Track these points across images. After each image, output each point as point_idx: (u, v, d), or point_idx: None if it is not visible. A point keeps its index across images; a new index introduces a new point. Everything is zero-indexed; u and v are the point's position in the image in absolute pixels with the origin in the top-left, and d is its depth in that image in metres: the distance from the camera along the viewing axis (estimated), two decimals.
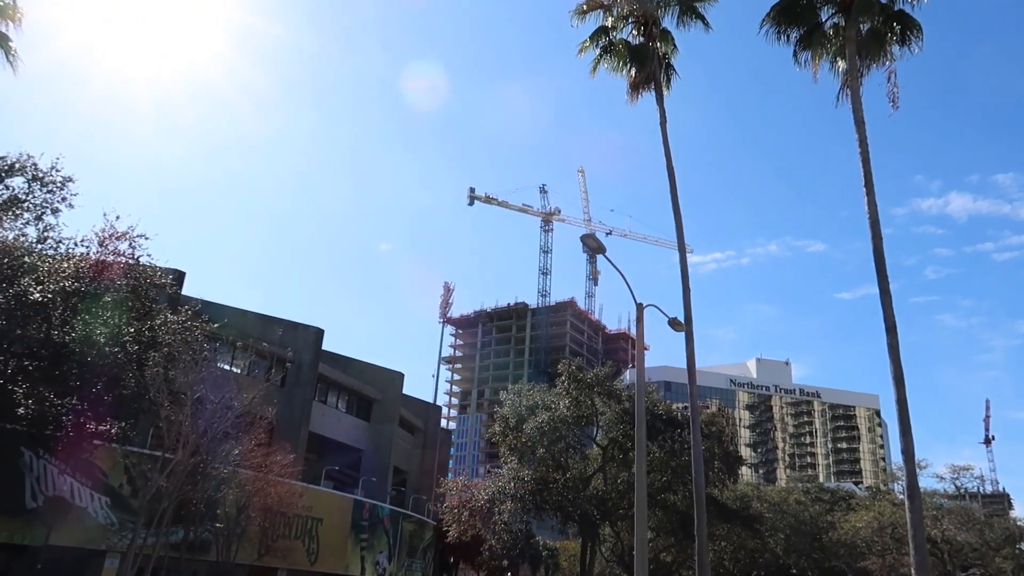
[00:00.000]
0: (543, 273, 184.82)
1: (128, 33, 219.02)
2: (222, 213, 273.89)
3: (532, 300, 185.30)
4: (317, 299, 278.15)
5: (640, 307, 22.01)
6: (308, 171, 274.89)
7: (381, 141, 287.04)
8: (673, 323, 22.98)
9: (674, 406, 36.38)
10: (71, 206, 26.87)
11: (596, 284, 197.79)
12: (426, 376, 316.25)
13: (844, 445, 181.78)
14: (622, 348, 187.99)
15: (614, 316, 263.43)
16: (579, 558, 67.05)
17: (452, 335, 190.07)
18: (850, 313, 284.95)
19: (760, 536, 42.59)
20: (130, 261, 27.07)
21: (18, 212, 26.11)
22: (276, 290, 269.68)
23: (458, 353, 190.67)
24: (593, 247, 20.08)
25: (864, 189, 17.02)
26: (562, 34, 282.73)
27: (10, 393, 25.34)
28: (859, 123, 17.63)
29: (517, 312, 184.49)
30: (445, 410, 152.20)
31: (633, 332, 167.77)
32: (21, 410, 25.67)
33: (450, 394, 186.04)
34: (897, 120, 17.78)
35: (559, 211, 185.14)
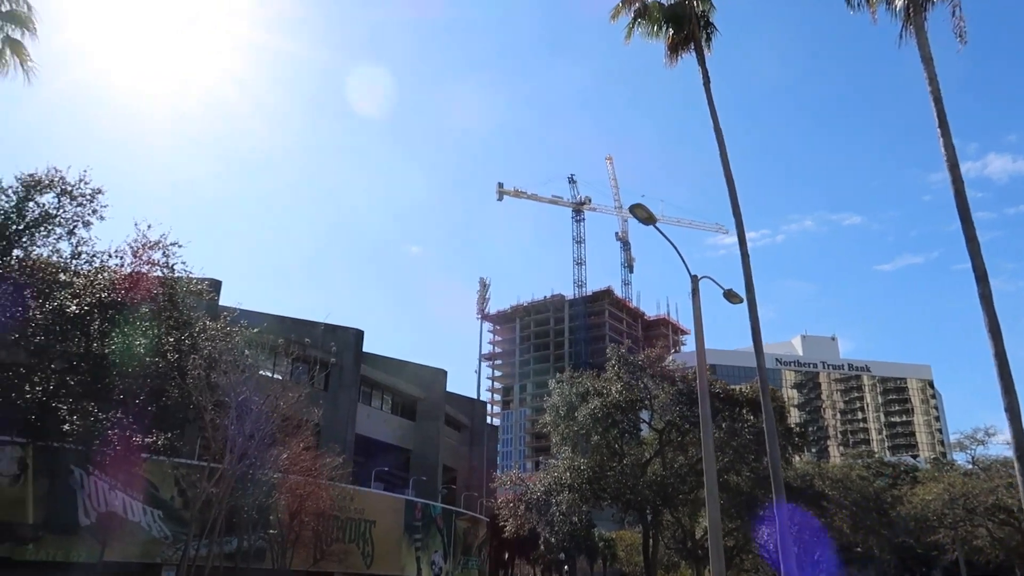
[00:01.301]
0: (577, 263, 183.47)
1: (144, 56, 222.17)
2: (249, 226, 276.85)
3: (568, 291, 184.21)
4: (352, 305, 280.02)
5: (695, 279, 20.89)
6: (328, 181, 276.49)
7: (400, 144, 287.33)
8: (729, 295, 21.82)
9: (730, 386, 34.97)
10: (102, 218, 26.37)
11: (632, 272, 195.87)
12: (467, 373, 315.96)
13: (898, 419, 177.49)
14: (662, 334, 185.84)
15: (652, 303, 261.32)
16: (640, 547, 65.97)
17: (490, 331, 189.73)
18: (892, 284, 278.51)
19: (827, 514, 41.03)
20: (164, 270, 26.59)
21: (50, 228, 25.72)
22: (310, 299, 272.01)
23: (497, 349, 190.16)
24: (643, 217, 18.93)
25: (939, 131, 15.61)
26: (580, 22, 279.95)
27: (55, 410, 24.98)
28: (927, 60, 16.23)
29: (554, 305, 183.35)
30: (488, 407, 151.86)
31: (673, 317, 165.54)
32: (67, 427, 25.34)
33: (492, 391, 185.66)
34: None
35: (590, 200, 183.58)
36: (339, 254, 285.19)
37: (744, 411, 31.52)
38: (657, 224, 19.52)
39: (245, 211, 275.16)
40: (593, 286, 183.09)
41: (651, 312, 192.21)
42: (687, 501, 34.20)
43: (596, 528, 61.68)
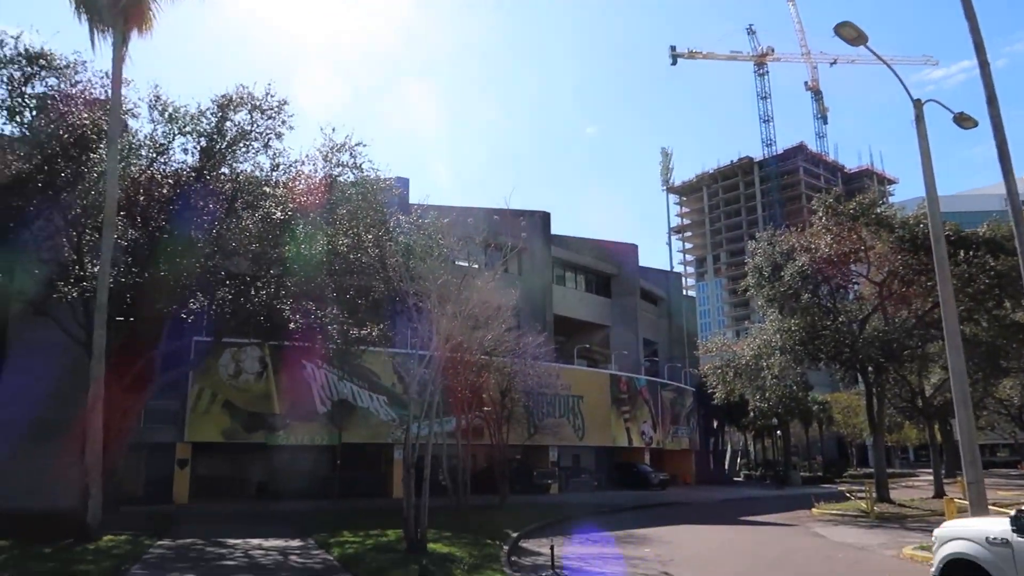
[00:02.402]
0: (764, 121, 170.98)
1: None
2: (424, 127, 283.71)
3: (756, 153, 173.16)
4: (536, 192, 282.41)
5: (919, 104, 18.24)
6: (496, 78, 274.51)
7: (561, 26, 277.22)
8: (960, 118, 18.86)
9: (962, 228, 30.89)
10: (291, 128, 27.55)
11: (826, 123, 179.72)
12: (657, 246, 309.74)
13: None
14: (866, 187, 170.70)
15: (851, 154, 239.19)
16: (857, 409, 63.01)
17: (677, 203, 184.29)
18: None
19: None
20: (354, 171, 27.45)
21: (248, 143, 27.25)
22: (493, 192, 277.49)
23: (686, 221, 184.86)
24: (851, 36, 16.47)
25: None
26: None
27: (279, 311, 27.22)
28: None
29: (742, 168, 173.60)
30: (683, 280, 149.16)
31: (877, 167, 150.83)
32: (292, 325, 27.58)
33: (684, 263, 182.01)
34: None
35: (772, 50, 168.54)
36: (516, 145, 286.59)
37: (980, 253, 27.86)
38: (858, 61, 16.92)
39: (418, 114, 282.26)
40: (783, 144, 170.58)
41: (851, 165, 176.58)
42: (914, 357, 31.43)
43: (812, 391, 59.54)
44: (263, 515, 25.42)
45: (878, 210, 29.27)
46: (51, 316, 25.17)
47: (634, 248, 56.94)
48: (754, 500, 38.21)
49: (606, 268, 55.19)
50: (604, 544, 18.44)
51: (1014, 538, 7.35)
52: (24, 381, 28.53)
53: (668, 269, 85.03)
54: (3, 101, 23.12)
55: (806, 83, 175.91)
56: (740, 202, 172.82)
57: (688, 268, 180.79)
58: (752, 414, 56.30)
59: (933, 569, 8.46)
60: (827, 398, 66.26)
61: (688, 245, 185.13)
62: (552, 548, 13.62)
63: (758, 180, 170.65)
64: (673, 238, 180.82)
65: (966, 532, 8.16)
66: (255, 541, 16.88)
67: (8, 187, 22.84)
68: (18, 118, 23.48)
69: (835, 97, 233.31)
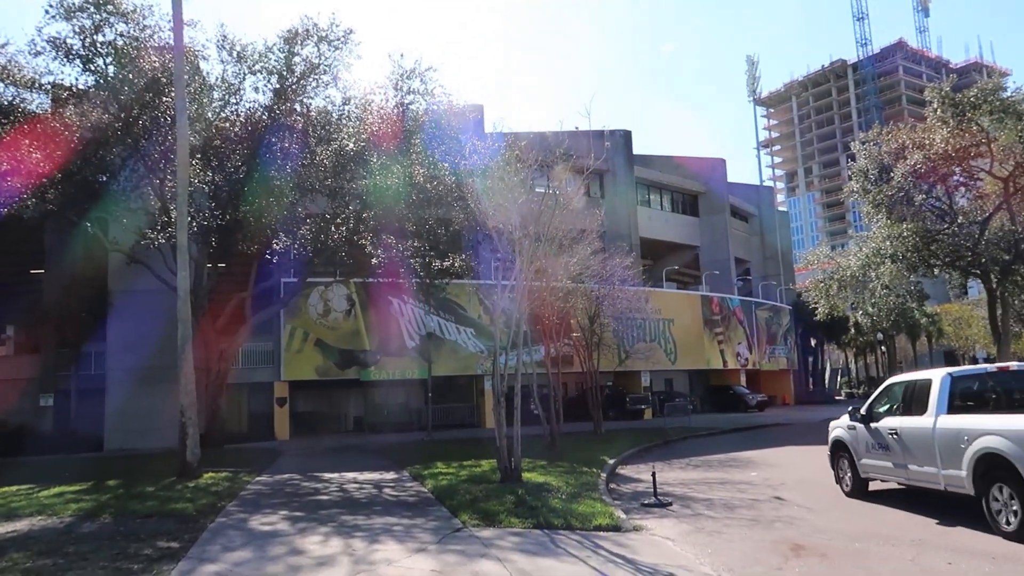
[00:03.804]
0: (858, 19, 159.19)
1: None
2: (491, 53, 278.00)
3: (850, 55, 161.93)
4: (616, 114, 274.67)
5: None
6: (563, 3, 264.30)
7: None
8: None
9: None
10: (359, 57, 26.88)
11: (927, 15, 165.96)
12: (746, 160, 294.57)
13: None
14: (974, 82, 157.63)
15: (958, 46, 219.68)
16: (969, 320, 59.29)
17: (764, 116, 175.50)
18: None
19: None
20: (426, 97, 26.53)
21: (318, 77, 26.63)
22: (567, 118, 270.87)
23: (775, 134, 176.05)
24: None
25: None
26: None
27: (361, 248, 26.96)
28: None
29: (835, 73, 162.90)
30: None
31: (987, 60, 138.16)
32: (374, 260, 27.31)
33: (774, 179, 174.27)
34: None
35: None
36: (592, 70, 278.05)
37: None
38: None
39: (488, 40, 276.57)
40: (880, 43, 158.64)
41: (957, 59, 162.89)
42: None
43: (927, 303, 56.29)
44: (359, 449, 25.70)
45: (1003, 95, 26.14)
46: (145, 264, 25.70)
47: (721, 163, 54.16)
48: None
49: (692, 186, 52.87)
50: (706, 468, 17.59)
51: (857, 424, 11.74)
52: (130, 329, 29.56)
53: (758, 184, 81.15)
54: (77, 50, 23.15)
55: None
56: (833, 110, 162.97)
57: (778, 183, 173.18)
58: (853, 330, 53.79)
59: (827, 448, 13.10)
60: (936, 310, 62.61)
61: (778, 159, 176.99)
62: (653, 474, 12.88)
63: (852, 85, 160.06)
64: (762, 152, 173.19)
65: (839, 424, 12.62)
66: (350, 475, 16.83)
67: (92, 139, 23.02)
68: (92, 66, 23.49)
69: None
